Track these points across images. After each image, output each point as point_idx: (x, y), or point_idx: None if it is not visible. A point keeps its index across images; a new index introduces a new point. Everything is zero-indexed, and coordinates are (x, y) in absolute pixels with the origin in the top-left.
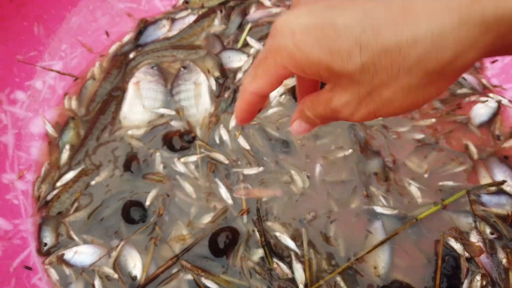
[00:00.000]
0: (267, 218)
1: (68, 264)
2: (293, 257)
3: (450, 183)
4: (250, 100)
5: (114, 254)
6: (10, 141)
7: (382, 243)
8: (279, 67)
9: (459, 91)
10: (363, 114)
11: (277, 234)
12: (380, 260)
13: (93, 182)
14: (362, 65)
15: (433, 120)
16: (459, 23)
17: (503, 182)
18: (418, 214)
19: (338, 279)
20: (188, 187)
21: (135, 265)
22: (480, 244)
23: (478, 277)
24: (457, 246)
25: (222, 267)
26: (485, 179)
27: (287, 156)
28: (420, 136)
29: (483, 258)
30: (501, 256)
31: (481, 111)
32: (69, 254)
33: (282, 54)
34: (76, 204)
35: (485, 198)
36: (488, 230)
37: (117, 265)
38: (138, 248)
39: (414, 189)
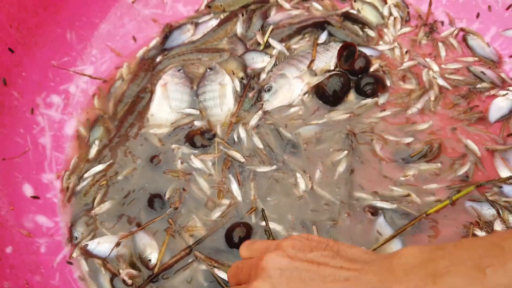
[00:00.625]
0: (273, 219)
1: (92, 254)
2: None
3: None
4: None
5: (130, 239)
6: (47, 143)
7: (390, 239)
8: None
9: (479, 85)
10: None
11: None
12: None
13: (119, 177)
14: None
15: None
16: None
17: (509, 177)
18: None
19: None
20: (203, 183)
21: (152, 252)
22: None
23: None
24: (482, 234)
25: (236, 258)
26: (503, 172)
27: (293, 157)
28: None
29: None
30: None
31: (501, 104)
32: (92, 245)
33: None
34: (102, 196)
35: (507, 188)
36: (511, 218)
37: (136, 251)
38: (156, 239)
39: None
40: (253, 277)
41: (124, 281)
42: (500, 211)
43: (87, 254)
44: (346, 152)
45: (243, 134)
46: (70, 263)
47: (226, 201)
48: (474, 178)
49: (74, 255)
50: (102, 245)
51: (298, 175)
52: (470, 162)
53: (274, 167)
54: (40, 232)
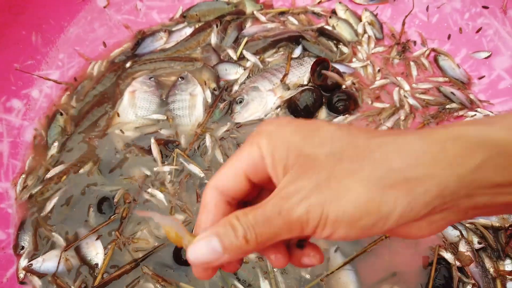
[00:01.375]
0: None
1: (38, 273)
2: (260, 275)
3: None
4: (210, 203)
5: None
6: (5, 150)
7: (343, 265)
8: (253, 148)
9: (448, 106)
10: (312, 203)
11: None
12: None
13: (74, 179)
14: (331, 150)
15: None
16: (435, 144)
17: None
18: None
19: None
20: (159, 194)
21: (97, 254)
22: (469, 253)
23: (469, 286)
24: (448, 256)
25: (185, 276)
26: None
27: None
28: None
29: (472, 268)
30: (489, 265)
31: None
32: (37, 264)
33: (261, 134)
34: (54, 199)
35: None
36: (475, 239)
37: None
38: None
39: None
40: None
41: None
42: (463, 232)
43: (34, 273)
44: None
45: (208, 143)
46: (24, 283)
47: (180, 216)
48: None
49: (21, 275)
50: (48, 262)
51: None
52: None
53: None
54: None
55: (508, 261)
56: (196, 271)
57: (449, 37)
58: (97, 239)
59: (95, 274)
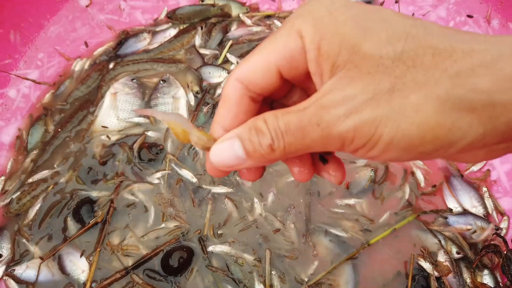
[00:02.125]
0: (228, 242)
1: (19, 280)
2: (255, 278)
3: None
4: (231, 96)
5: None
6: None
7: (337, 265)
8: (292, 36)
9: None
10: (363, 119)
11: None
12: (345, 282)
13: (54, 185)
14: (402, 52)
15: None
16: None
17: (449, 210)
18: (373, 238)
19: None
20: (148, 200)
21: (83, 271)
22: (448, 263)
23: None
24: (426, 265)
25: (175, 285)
26: (451, 203)
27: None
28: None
29: (450, 278)
30: (466, 276)
31: None
32: (20, 270)
33: (306, 17)
34: (36, 206)
35: (452, 219)
36: (454, 249)
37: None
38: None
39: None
40: None
41: None
42: (442, 241)
43: (15, 280)
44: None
45: (198, 151)
46: None
47: (171, 223)
48: (418, 205)
49: (5, 278)
50: (30, 270)
51: (256, 200)
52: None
53: (231, 189)
54: None
55: (485, 271)
56: (211, 168)
57: None
58: (81, 255)
59: None
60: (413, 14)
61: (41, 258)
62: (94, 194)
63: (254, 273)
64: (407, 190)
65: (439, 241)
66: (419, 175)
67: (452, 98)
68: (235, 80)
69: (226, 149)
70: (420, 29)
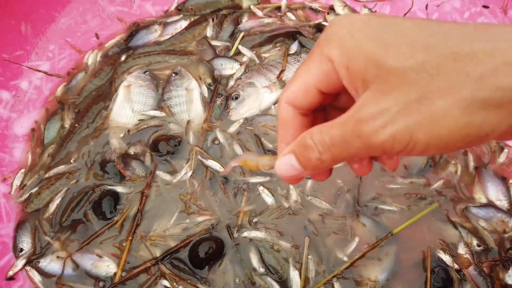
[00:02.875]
0: (265, 229)
1: (43, 272)
2: (291, 265)
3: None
4: (286, 118)
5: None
6: None
7: (363, 255)
8: (323, 61)
9: None
10: (399, 128)
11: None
12: (377, 269)
13: (73, 180)
14: (424, 63)
15: None
16: None
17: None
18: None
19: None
20: (174, 192)
21: (108, 265)
22: (468, 256)
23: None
24: (446, 258)
25: (202, 279)
26: (478, 193)
27: None
28: None
29: (471, 270)
30: (487, 269)
31: None
32: (45, 262)
33: (331, 43)
34: (55, 202)
35: (474, 210)
36: (475, 242)
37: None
38: (117, 245)
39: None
40: None
41: None
42: (463, 234)
43: (39, 272)
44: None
45: (222, 139)
46: (12, 278)
47: (199, 215)
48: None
49: (11, 272)
50: (55, 263)
51: (291, 186)
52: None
53: (268, 178)
54: None
55: (511, 271)
56: (284, 179)
57: None
58: (96, 255)
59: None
60: (427, 6)
61: (68, 253)
62: (118, 189)
63: (290, 260)
64: (459, 168)
65: (460, 233)
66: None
67: (477, 100)
68: (285, 104)
69: (285, 164)
70: (439, 37)
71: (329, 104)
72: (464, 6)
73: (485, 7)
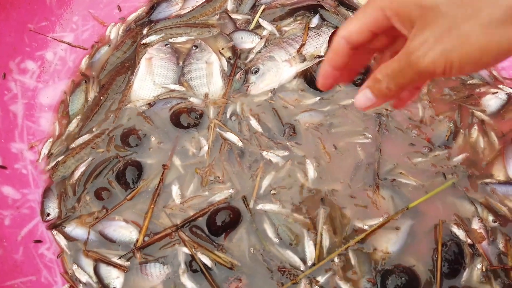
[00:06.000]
0: (279, 202)
1: (68, 236)
2: (305, 235)
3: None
4: (338, 48)
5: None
6: (19, 111)
7: (379, 227)
8: (377, 11)
9: (470, 81)
10: (436, 54)
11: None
12: (390, 242)
13: (100, 149)
14: None
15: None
16: None
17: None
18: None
19: (350, 253)
20: (190, 166)
21: (131, 232)
22: (482, 231)
23: (478, 266)
24: (459, 232)
25: (219, 246)
26: (497, 170)
27: (295, 143)
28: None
29: (484, 245)
30: (500, 241)
31: (490, 102)
32: (69, 228)
33: None
34: (79, 169)
35: (493, 186)
36: (490, 218)
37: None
38: (136, 213)
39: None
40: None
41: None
42: (479, 209)
43: (65, 236)
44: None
45: (240, 112)
46: (39, 241)
47: (217, 186)
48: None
49: (55, 232)
50: (80, 229)
51: (308, 161)
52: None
53: (286, 152)
54: (5, 204)
55: None
56: (363, 108)
57: None
58: (122, 220)
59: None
60: None
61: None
62: (142, 159)
63: (304, 231)
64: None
65: (475, 208)
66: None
67: (494, 19)
68: (341, 38)
69: (363, 96)
70: None
71: (388, 47)
72: None
73: None
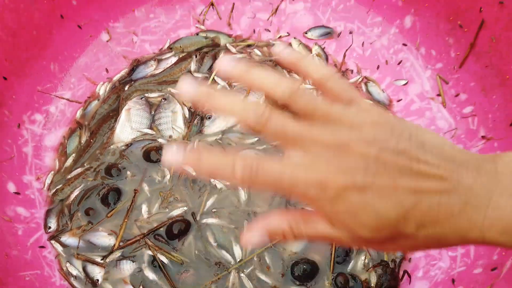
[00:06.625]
0: (220, 218)
1: (63, 244)
2: (233, 241)
3: None
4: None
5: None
6: (29, 152)
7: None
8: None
9: None
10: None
11: (221, 224)
12: (294, 245)
13: (88, 179)
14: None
15: None
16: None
17: None
18: None
19: (265, 253)
20: (155, 190)
21: (110, 239)
22: None
23: (362, 257)
24: None
25: (174, 248)
26: None
27: None
28: None
29: None
30: None
31: None
32: (64, 237)
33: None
34: (74, 194)
35: None
36: None
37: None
38: (114, 225)
39: None
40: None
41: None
42: None
43: (60, 244)
44: None
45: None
46: (42, 247)
47: (175, 205)
48: None
49: (53, 241)
50: (72, 239)
51: (240, 188)
52: None
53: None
54: (18, 219)
55: None
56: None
57: (378, 67)
58: (104, 231)
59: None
60: (363, 43)
61: (81, 231)
62: (120, 186)
63: (233, 238)
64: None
65: None
66: None
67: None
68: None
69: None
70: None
71: None
72: (390, 43)
73: (404, 45)
